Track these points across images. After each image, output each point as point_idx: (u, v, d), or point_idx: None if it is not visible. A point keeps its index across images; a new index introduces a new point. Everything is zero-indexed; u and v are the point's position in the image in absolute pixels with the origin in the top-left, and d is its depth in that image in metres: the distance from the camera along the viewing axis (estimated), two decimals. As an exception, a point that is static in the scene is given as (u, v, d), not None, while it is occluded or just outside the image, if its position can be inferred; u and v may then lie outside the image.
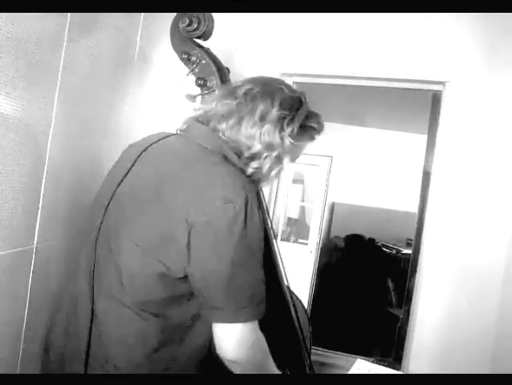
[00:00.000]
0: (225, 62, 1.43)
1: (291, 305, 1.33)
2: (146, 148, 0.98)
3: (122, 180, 0.95)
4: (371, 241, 4.89)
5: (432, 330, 1.90)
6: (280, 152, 0.93)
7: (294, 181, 4.89)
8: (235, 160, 0.92)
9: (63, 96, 1.30)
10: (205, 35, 1.39)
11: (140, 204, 0.89)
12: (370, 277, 4.26)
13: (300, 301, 1.45)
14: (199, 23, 1.35)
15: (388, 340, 2.94)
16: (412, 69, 1.94)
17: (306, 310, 1.51)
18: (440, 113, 1.99)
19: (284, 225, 4.88)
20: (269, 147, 0.91)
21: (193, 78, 1.39)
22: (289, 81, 2.09)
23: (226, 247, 0.82)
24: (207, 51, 1.39)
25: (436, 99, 2.12)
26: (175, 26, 1.38)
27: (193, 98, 1.35)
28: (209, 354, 0.92)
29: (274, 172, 0.94)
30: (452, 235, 1.90)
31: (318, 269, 4.54)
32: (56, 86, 1.27)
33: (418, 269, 2.02)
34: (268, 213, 1.42)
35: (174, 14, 1.40)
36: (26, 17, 1.10)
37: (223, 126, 0.93)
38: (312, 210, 4.79)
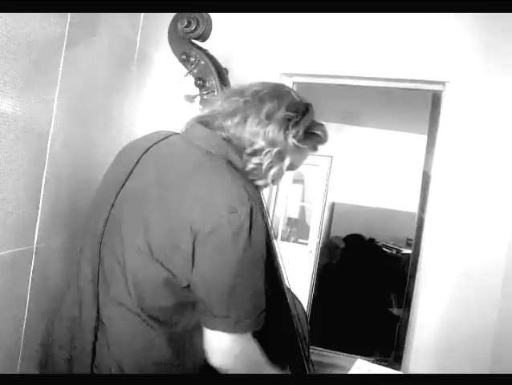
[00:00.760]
0: (223, 63, 1.43)
1: (293, 308, 1.33)
2: (147, 149, 0.96)
3: (124, 183, 0.93)
4: (372, 240, 4.89)
5: (433, 329, 1.90)
6: (282, 150, 0.92)
7: (294, 181, 4.88)
8: (238, 162, 0.91)
9: (63, 96, 1.29)
10: (204, 36, 1.39)
11: (144, 209, 0.88)
12: (370, 277, 4.25)
13: (300, 303, 1.45)
14: (197, 24, 1.36)
15: (388, 340, 2.95)
16: (411, 69, 1.94)
17: (305, 313, 1.51)
18: (440, 113, 1.99)
19: (284, 225, 4.87)
20: (271, 143, 0.91)
21: (192, 78, 1.39)
22: (288, 81, 2.09)
23: (230, 257, 0.82)
24: (205, 52, 1.39)
25: (436, 99, 2.13)
26: (173, 27, 1.38)
27: (191, 98, 1.35)
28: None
29: (273, 171, 0.93)
30: (452, 235, 1.89)
31: (318, 269, 4.53)
32: (56, 86, 1.27)
33: (418, 269, 2.02)
34: (268, 213, 1.41)
35: (174, 14, 1.40)
36: (26, 17, 1.10)
37: (228, 123, 0.92)
38: (312, 210, 4.78)
